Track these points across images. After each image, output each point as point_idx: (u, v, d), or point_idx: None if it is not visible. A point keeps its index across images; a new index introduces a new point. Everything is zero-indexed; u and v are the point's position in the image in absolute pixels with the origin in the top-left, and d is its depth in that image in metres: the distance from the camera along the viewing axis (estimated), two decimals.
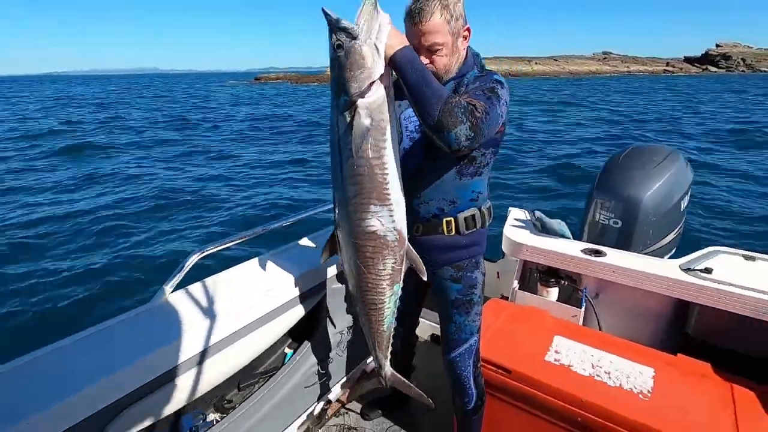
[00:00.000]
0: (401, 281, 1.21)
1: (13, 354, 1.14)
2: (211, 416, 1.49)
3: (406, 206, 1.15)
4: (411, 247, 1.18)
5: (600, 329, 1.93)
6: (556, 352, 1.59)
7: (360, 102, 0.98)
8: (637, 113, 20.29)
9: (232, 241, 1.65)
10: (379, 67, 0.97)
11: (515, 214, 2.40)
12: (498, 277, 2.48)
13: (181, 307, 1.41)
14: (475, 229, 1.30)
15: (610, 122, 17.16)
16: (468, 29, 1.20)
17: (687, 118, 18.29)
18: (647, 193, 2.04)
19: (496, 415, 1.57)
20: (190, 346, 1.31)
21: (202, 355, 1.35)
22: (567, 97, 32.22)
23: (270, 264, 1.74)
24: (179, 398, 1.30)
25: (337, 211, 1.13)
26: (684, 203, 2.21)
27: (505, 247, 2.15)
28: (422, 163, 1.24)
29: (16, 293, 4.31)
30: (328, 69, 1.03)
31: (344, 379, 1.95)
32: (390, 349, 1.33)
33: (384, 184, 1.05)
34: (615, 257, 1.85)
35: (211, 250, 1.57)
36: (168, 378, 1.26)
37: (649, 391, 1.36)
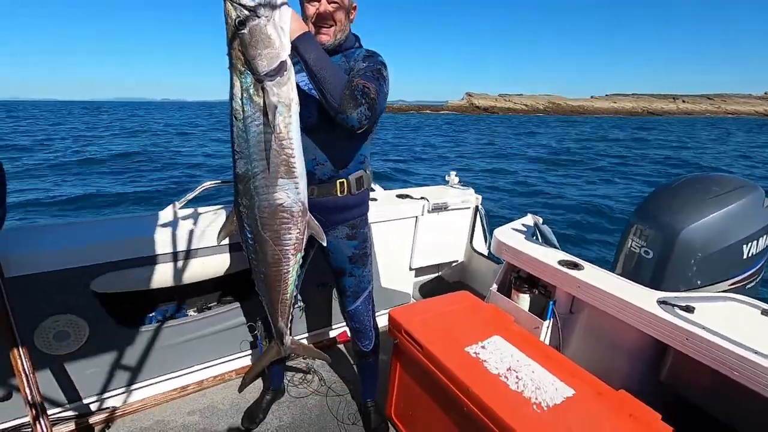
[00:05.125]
0: (302, 249, 1.20)
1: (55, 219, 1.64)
2: (191, 313, 1.78)
3: None
4: (312, 216, 1.17)
5: (560, 349, 1.67)
6: (483, 348, 1.46)
7: (268, 82, 0.96)
8: None
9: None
10: (286, 49, 0.97)
11: (525, 219, 2.20)
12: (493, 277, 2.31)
13: (182, 218, 1.74)
14: (363, 189, 1.34)
15: None
16: (355, 7, 1.28)
17: None
18: (692, 224, 1.59)
19: (406, 383, 1.54)
20: (174, 244, 1.60)
21: (184, 255, 1.64)
22: None
23: None
24: (157, 279, 1.60)
25: (240, 187, 1.07)
26: (751, 249, 1.68)
27: (492, 246, 2.01)
28: (317, 125, 1.22)
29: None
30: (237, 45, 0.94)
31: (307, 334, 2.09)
32: (291, 318, 1.30)
33: (291, 158, 1.04)
34: (589, 273, 1.58)
35: (219, 183, 1.87)
36: (149, 261, 1.57)
37: (548, 406, 1.17)
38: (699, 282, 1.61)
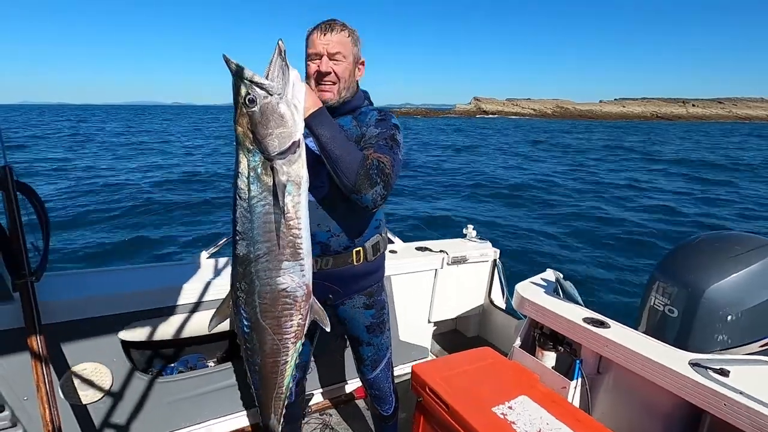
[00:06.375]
0: (303, 337, 1.08)
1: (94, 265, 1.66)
2: (210, 363, 1.79)
3: (312, 240, 1.06)
4: (315, 300, 1.07)
5: (589, 411, 1.62)
6: (510, 408, 1.44)
7: (278, 161, 0.90)
8: None
9: None
10: (299, 128, 0.91)
11: (546, 274, 2.15)
12: (514, 333, 2.28)
13: (206, 268, 1.75)
14: (380, 254, 1.30)
15: None
16: (362, 62, 1.23)
17: None
18: (715, 283, 1.55)
19: None
20: (200, 294, 1.61)
21: (208, 305, 1.65)
22: None
23: None
24: (181, 329, 1.61)
25: (240, 270, 0.98)
26: None
27: (514, 301, 1.98)
28: (328, 194, 1.17)
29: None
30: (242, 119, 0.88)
31: (321, 390, 2.06)
32: (284, 412, 1.17)
33: (298, 238, 0.96)
34: (617, 332, 1.55)
35: None
36: (175, 311, 1.58)
37: None
38: (728, 342, 1.57)
